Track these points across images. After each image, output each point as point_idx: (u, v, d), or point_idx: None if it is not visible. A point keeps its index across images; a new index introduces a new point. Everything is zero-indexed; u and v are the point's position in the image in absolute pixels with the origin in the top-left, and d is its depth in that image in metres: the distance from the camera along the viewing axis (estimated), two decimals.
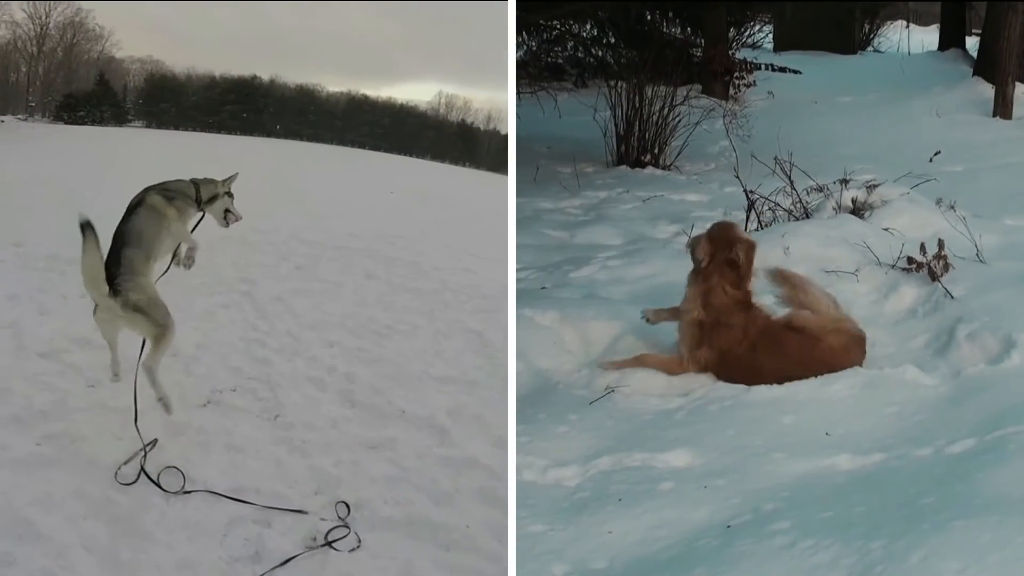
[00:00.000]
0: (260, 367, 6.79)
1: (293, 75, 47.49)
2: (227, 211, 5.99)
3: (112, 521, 4.39)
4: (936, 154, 10.72)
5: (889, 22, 25.64)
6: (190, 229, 5.77)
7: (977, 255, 6.73)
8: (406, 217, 16.39)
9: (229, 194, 6.01)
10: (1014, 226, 7.88)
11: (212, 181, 5.94)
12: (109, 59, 44.07)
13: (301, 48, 49.53)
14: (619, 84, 12.57)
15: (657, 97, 12.42)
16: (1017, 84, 14.47)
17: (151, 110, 44.44)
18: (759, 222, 7.89)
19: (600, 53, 16.42)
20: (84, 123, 40.13)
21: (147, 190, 5.53)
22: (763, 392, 5.08)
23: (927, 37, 23.50)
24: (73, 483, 4.66)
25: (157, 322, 5.11)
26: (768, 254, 6.94)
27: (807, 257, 6.81)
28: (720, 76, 15.69)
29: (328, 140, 46.29)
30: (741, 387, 5.17)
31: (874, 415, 4.77)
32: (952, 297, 6.09)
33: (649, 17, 16.75)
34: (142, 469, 4.82)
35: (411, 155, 44.70)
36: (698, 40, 17.23)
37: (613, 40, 16.46)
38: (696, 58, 16.33)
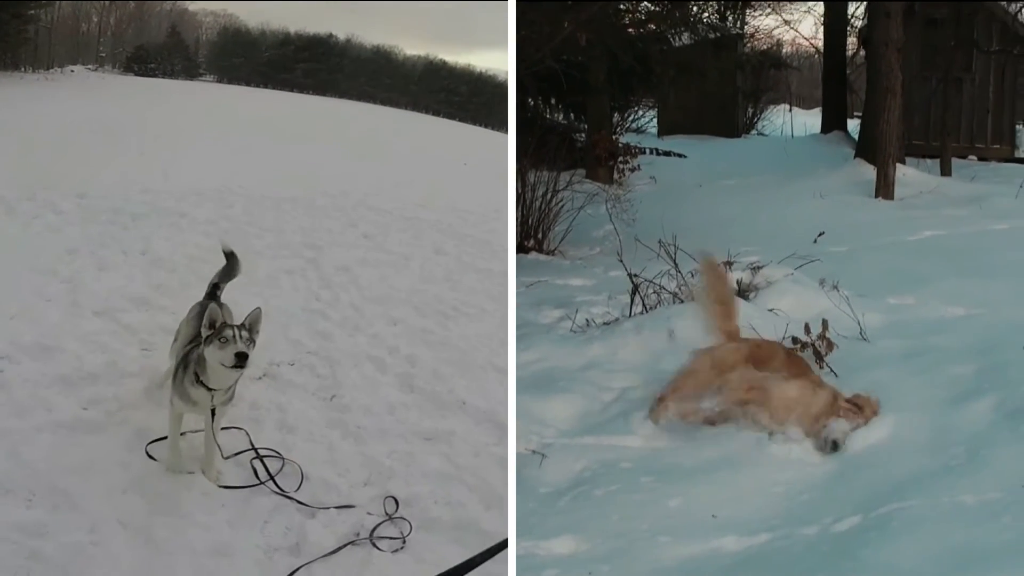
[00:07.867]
0: (321, 341, 6.81)
1: (370, 35, 47.06)
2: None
3: (153, 496, 4.38)
4: (820, 235, 11.05)
5: (772, 106, 26.65)
6: None
7: (860, 334, 6.97)
8: (480, 192, 16.20)
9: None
10: (896, 304, 8.17)
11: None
12: (182, 11, 44.42)
13: (380, 7, 48.63)
14: None
15: (540, 182, 12.58)
16: (898, 165, 15.11)
17: (223, 65, 44.82)
18: (644, 305, 8.01)
19: None
20: (154, 75, 40.93)
21: None
22: (649, 474, 5.14)
23: (810, 120, 24.54)
24: (117, 453, 4.65)
25: None
26: (653, 337, 7.09)
27: (693, 339, 6.95)
28: (604, 161, 16.01)
29: (402, 104, 46.13)
30: (626, 471, 5.21)
31: (761, 495, 4.85)
32: (836, 375, 6.28)
33: (532, 103, 17.08)
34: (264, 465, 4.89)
35: (487, 127, 44.09)
36: (581, 125, 17.58)
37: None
38: (579, 143, 16.65)
